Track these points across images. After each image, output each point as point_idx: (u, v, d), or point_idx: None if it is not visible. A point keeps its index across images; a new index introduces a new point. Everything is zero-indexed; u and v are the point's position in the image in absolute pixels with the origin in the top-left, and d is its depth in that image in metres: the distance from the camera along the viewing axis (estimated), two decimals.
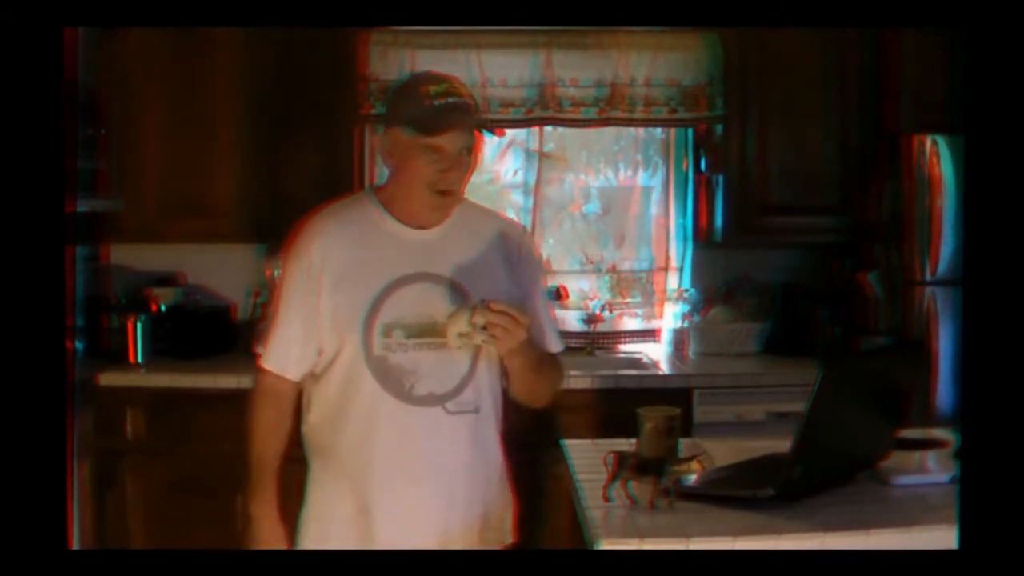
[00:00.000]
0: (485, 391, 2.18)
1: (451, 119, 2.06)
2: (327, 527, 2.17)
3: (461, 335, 2.03)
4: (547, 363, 2.24)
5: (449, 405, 2.12)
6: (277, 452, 2.19)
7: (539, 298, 2.28)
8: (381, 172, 4.12)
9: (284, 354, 2.15)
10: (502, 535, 2.26)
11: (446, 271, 2.13)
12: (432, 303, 2.10)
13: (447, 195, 2.12)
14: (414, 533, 2.12)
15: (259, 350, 2.19)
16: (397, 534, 2.12)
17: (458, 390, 2.13)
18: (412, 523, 2.13)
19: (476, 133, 2.12)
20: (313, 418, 2.19)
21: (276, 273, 3.94)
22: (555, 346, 2.30)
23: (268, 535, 2.17)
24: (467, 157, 2.11)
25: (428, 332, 2.09)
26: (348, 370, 2.11)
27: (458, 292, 2.12)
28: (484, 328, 2.00)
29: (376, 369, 2.09)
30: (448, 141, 2.06)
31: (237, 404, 3.51)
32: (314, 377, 2.17)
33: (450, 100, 2.07)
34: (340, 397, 2.13)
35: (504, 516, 2.27)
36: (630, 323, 4.29)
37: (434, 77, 2.15)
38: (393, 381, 2.10)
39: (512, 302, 2.06)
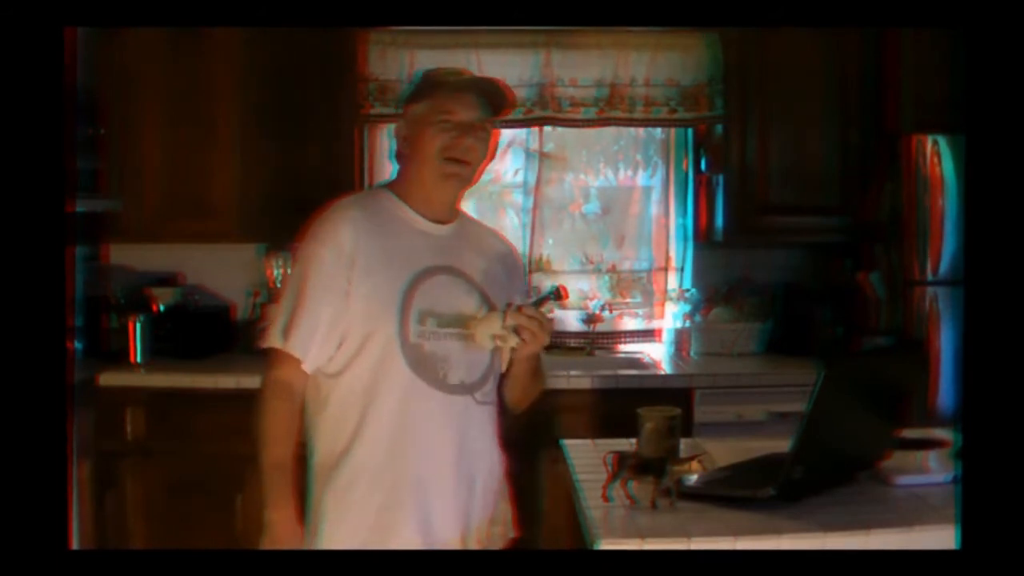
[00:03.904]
0: (496, 384, 2.24)
1: (462, 86, 2.16)
2: (347, 529, 2.11)
3: (495, 336, 2.10)
4: (541, 371, 2.31)
5: (477, 395, 2.17)
6: (292, 452, 2.11)
7: None
8: (381, 172, 4.13)
9: (308, 338, 2.09)
10: (506, 529, 2.28)
11: (462, 267, 2.19)
12: (457, 295, 2.16)
13: (459, 163, 2.15)
14: (440, 526, 2.12)
15: (274, 341, 2.12)
16: (423, 527, 2.11)
17: (483, 381, 2.18)
18: (439, 515, 2.12)
19: (489, 125, 2.18)
20: (328, 418, 2.14)
21: (278, 266, 4.00)
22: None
23: (288, 540, 2.09)
24: (480, 131, 2.16)
25: (456, 323, 2.13)
26: (379, 358, 2.08)
27: (477, 289, 2.19)
28: (515, 331, 2.08)
29: (411, 356, 2.09)
30: (460, 106, 2.13)
31: (236, 404, 3.55)
32: (327, 375, 2.12)
33: (465, 76, 2.20)
34: (367, 387, 2.09)
35: (507, 509, 2.29)
36: (630, 323, 4.29)
37: (449, 67, 2.27)
38: (428, 369, 2.10)
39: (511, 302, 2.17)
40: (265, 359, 2.16)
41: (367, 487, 2.10)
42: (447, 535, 2.13)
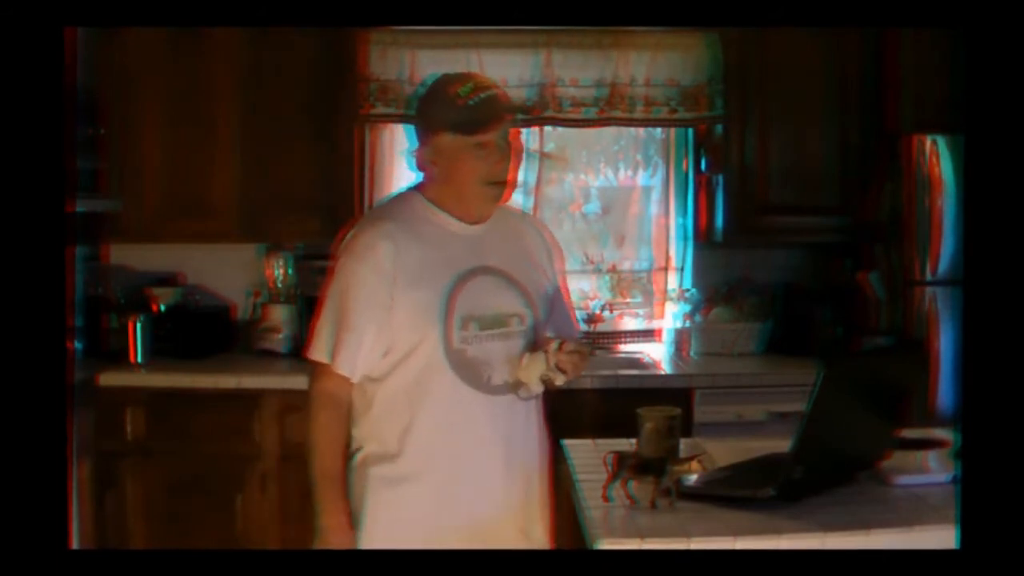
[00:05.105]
0: None
1: (490, 113, 2.14)
2: (392, 532, 2.14)
3: (542, 377, 2.15)
4: None
5: (521, 392, 2.19)
6: (341, 461, 2.16)
7: (565, 284, 2.41)
8: (381, 172, 4.12)
9: (354, 355, 2.12)
10: (546, 518, 2.30)
11: (498, 264, 2.21)
12: (497, 294, 2.18)
13: (502, 185, 2.19)
14: (498, 520, 2.16)
15: (321, 356, 2.15)
16: (481, 523, 2.14)
17: None
18: (496, 510, 2.16)
19: (511, 118, 2.19)
20: (372, 420, 2.16)
21: (278, 266, 4.00)
22: (578, 329, 2.44)
23: (342, 545, 2.13)
24: (512, 143, 2.18)
25: (496, 324, 2.17)
26: (424, 365, 2.12)
27: (515, 284, 2.21)
28: (557, 366, 2.13)
29: (455, 362, 2.12)
30: (493, 135, 2.13)
31: (236, 404, 3.57)
32: (372, 380, 2.15)
33: (483, 95, 2.14)
34: (412, 393, 2.12)
35: (547, 500, 2.31)
36: (630, 323, 4.29)
37: (457, 77, 2.21)
38: (472, 373, 2.13)
39: (548, 292, 2.28)
40: (311, 369, 2.19)
41: (413, 488, 2.13)
42: (508, 529, 2.17)
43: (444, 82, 2.20)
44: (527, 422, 2.23)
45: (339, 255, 2.19)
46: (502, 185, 2.19)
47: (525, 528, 2.21)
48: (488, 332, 2.15)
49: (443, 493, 2.13)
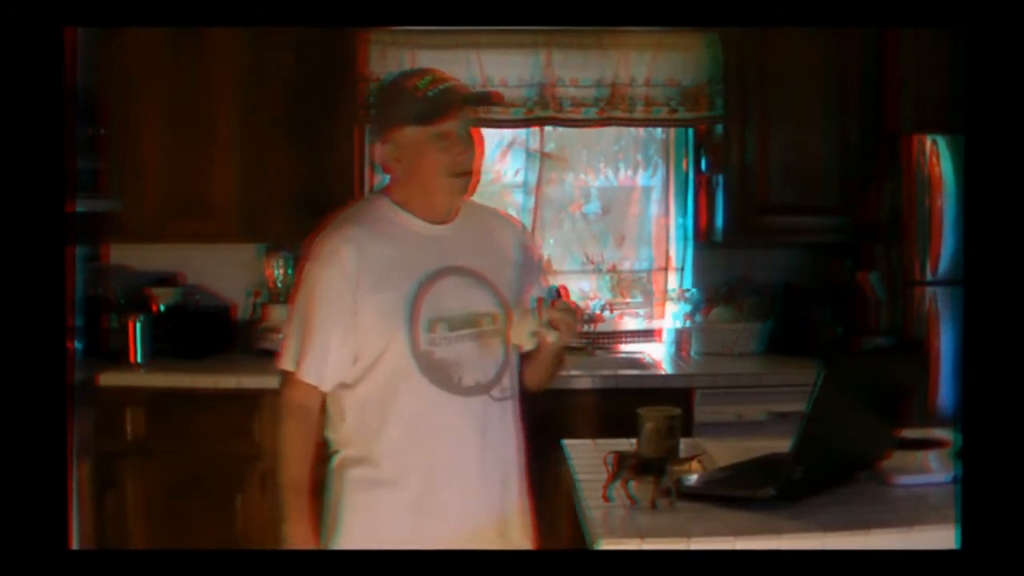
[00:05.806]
0: (515, 376, 2.24)
1: (449, 102, 2.12)
2: (370, 534, 2.13)
3: (533, 334, 2.12)
4: (563, 352, 2.32)
5: (494, 392, 2.17)
6: (308, 471, 2.14)
7: (544, 279, 2.37)
8: (381, 171, 4.12)
9: (321, 364, 2.11)
10: (527, 520, 2.28)
11: (468, 263, 2.18)
12: (466, 294, 2.16)
13: (466, 176, 2.16)
14: (476, 522, 2.15)
15: (288, 365, 2.14)
16: (458, 525, 2.13)
17: (498, 377, 2.18)
18: (474, 512, 2.15)
19: (473, 112, 2.18)
20: (347, 427, 2.15)
21: (278, 266, 4.01)
22: None
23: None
24: (475, 136, 2.16)
25: (466, 324, 2.14)
26: (393, 370, 2.10)
27: (486, 283, 2.18)
28: (549, 324, 2.09)
29: (424, 364, 2.10)
30: (454, 124, 2.11)
31: (236, 404, 3.58)
32: (344, 387, 2.14)
33: (441, 86, 2.13)
34: (384, 399, 2.11)
35: (525, 501, 2.30)
36: (630, 323, 4.29)
37: (414, 72, 2.23)
38: (441, 374, 2.11)
39: (523, 288, 2.22)
40: (281, 377, 2.18)
41: (390, 491, 2.12)
42: (485, 532, 2.15)
43: (402, 78, 2.21)
44: (502, 423, 2.20)
45: (304, 262, 2.17)
46: (467, 176, 2.15)
47: (502, 530, 2.18)
48: (458, 333, 2.13)
49: (420, 496, 2.11)
